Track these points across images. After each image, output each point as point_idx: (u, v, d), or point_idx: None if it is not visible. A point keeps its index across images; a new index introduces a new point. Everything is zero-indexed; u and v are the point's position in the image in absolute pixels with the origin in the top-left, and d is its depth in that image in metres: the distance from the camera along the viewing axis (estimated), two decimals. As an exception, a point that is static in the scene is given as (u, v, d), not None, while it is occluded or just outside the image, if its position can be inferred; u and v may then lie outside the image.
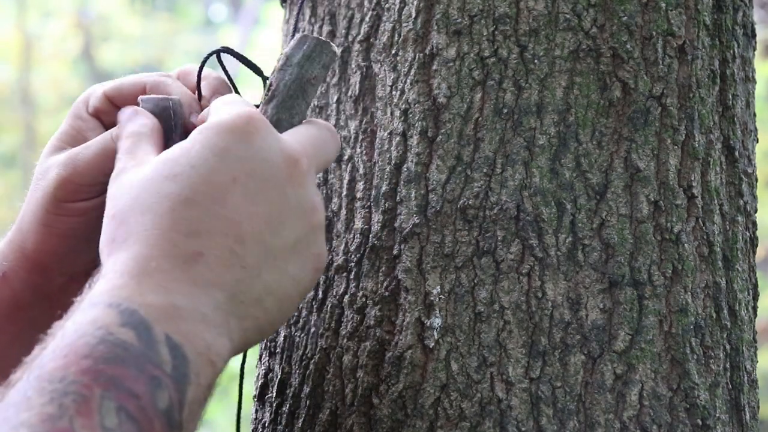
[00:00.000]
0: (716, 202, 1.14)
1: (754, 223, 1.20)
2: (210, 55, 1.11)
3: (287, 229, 0.94)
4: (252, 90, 1.16)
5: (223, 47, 1.10)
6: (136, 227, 0.90)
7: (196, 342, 0.86)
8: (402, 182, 1.12)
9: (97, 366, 0.80)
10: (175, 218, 0.90)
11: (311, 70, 1.03)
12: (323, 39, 1.04)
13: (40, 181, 1.09)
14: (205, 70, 1.10)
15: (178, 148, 0.94)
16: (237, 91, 1.10)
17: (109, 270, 0.89)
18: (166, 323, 0.85)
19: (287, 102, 1.02)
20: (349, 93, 1.18)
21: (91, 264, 1.09)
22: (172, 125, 1.04)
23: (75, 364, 0.80)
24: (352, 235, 1.14)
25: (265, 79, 1.08)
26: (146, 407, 0.81)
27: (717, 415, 1.09)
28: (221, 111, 0.97)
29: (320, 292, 1.15)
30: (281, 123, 1.01)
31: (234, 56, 1.09)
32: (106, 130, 1.10)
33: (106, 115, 1.11)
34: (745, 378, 1.14)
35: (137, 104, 1.08)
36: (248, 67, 1.09)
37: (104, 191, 1.05)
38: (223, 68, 1.12)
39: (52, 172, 1.08)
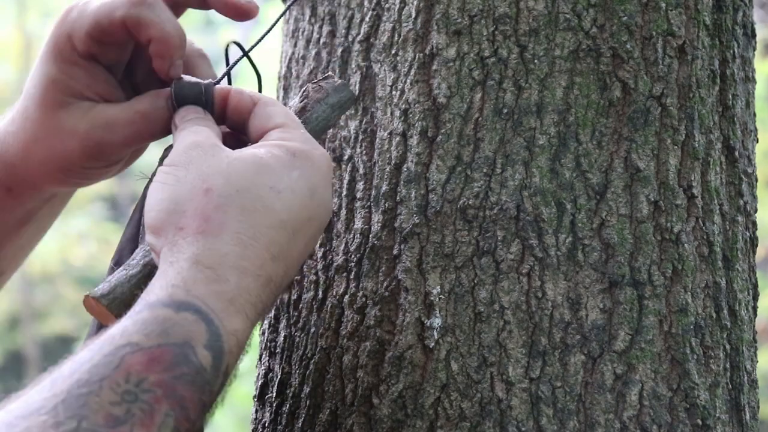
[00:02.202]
0: (716, 202, 1.14)
1: (754, 223, 1.20)
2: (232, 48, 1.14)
3: (296, 268, 1.01)
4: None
5: (233, 41, 1.14)
6: (235, 224, 0.95)
7: (236, 366, 0.92)
8: (402, 182, 1.12)
9: (173, 384, 0.85)
10: (270, 237, 0.96)
11: (335, 118, 1.11)
12: (355, 95, 1.13)
13: (61, 134, 1.08)
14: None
15: (277, 162, 0.99)
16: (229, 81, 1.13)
17: (202, 256, 0.92)
18: (233, 353, 0.91)
19: (312, 134, 1.08)
20: (349, 93, 1.18)
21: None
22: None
23: (155, 374, 0.84)
24: (352, 235, 1.14)
25: (260, 79, 1.14)
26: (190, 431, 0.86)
27: (717, 415, 1.09)
28: (307, 142, 1.02)
29: (320, 292, 1.15)
30: None
31: (242, 51, 1.13)
32: (106, 68, 1.09)
33: (100, 55, 1.09)
34: (745, 378, 1.14)
35: (125, 38, 1.08)
36: (252, 66, 1.13)
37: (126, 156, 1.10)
38: (227, 62, 1.13)
39: (75, 140, 1.08)
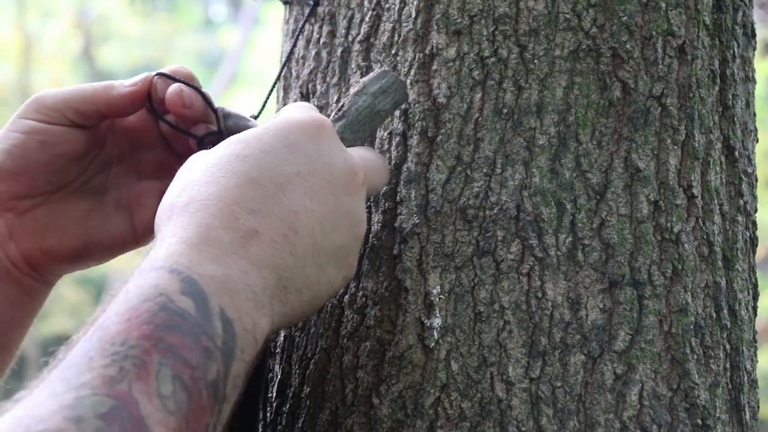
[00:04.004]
0: (716, 202, 1.14)
1: (754, 223, 1.20)
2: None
3: (335, 232, 0.98)
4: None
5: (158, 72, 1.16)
6: (199, 195, 0.94)
7: (244, 318, 0.89)
8: (402, 182, 1.12)
9: (157, 332, 0.83)
10: (239, 194, 0.94)
11: (383, 103, 1.10)
12: (401, 79, 1.11)
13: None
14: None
15: (250, 133, 0.99)
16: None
17: (169, 233, 0.92)
18: (221, 296, 0.88)
19: (354, 125, 1.08)
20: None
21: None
22: None
23: (136, 329, 0.82)
24: (352, 235, 1.14)
25: (214, 109, 1.15)
26: (198, 378, 0.83)
27: (717, 415, 1.09)
28: (296, 111, 1.03)
29: (320, 292, 1.15)
30: (344, 142, 1.06)
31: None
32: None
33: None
34: (745, 378, 1.14)
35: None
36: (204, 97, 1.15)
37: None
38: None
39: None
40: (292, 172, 0.97)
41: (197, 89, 1.13)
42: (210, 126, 1.14)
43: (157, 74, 1.14)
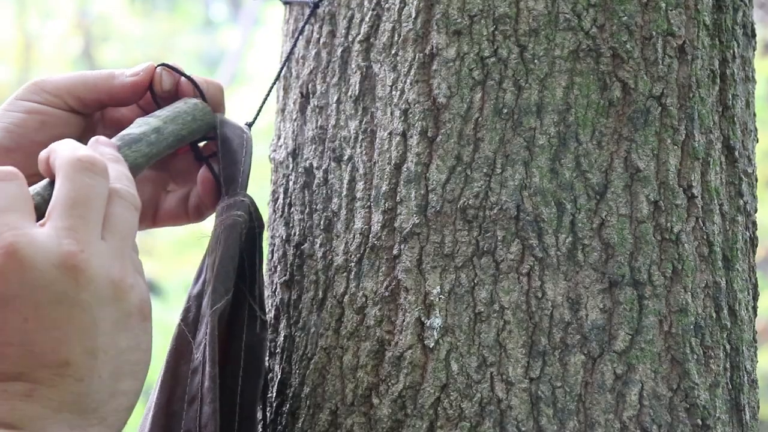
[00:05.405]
0: (716, 202, 1.14)
1: (754, 223, 1.20)
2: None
3: (103, 321, 0.87)
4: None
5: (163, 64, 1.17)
6: None
7: None
8: (402, 182, 1.12)
9: None
10: None
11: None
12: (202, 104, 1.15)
13: None
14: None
15: None
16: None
17: None
18: None
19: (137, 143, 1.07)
20: (349, 93, 1.18)
21: None
22: (243, 153, 1.14)
23: None
24: (352, 235, 1.14)
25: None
26: None
27: (717, 415, 1.09)
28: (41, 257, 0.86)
29: (320, 292, 1.15)
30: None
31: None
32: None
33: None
34: (745, 378, 1.14)
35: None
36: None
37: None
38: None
39: None
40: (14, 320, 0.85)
41: (201, 92, 1.14)
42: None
43: (161, 65, 1.15)
